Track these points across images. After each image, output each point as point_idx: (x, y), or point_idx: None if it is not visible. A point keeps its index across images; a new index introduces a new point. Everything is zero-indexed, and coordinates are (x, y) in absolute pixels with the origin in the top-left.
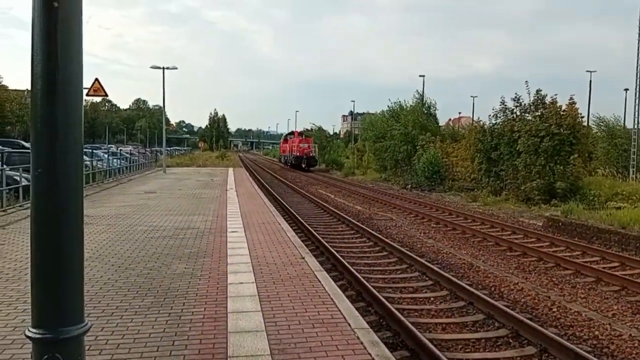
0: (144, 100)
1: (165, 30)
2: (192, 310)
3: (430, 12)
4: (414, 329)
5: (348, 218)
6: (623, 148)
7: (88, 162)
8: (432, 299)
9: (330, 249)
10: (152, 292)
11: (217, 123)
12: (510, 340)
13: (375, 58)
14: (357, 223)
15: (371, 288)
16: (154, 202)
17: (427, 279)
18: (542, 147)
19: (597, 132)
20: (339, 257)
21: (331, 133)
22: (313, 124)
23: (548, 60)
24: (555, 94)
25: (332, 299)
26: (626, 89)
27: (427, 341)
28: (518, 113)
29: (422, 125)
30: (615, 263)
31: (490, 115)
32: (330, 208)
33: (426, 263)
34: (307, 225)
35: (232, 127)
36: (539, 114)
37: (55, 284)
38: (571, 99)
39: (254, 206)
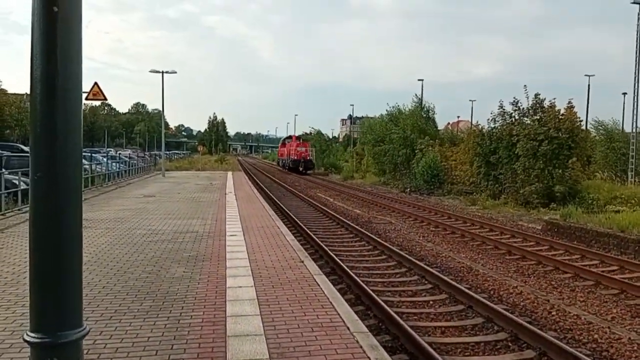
0: (143, 104)
1: (164, 35)
2: (191, 314)
3: (430, 18)
4: (413, 332)
5: (347, 222)
6: (621, 152)
7: (87, 166)
8: (431, 302)
9: (330, 252)
10: (150, 295)
11: (217, 127)
12: (510, 344)
13: (374, 63)
14: (356, 226)
15: (370, 292)
16: (153, 206)
17: (426, 282)
18: (541, 151)
19: (595, 136)
20: (338, 260)
21: (330, 137)
22: (312, 128)
23: (547, 66)
24: (554, 98)
25: (331, 302)
26: (624, 93)
27: (426, 345)
28: (517, 117)
29: (421, 129)
30: (614, 266)
31: (489, 119)
32: (329, 212)
33: (425, 266)
34: (306, 229)
35: (232, 131)
36: (538, 117)
37: (54, 287)
38: (569, 102)
39: (253, 210)
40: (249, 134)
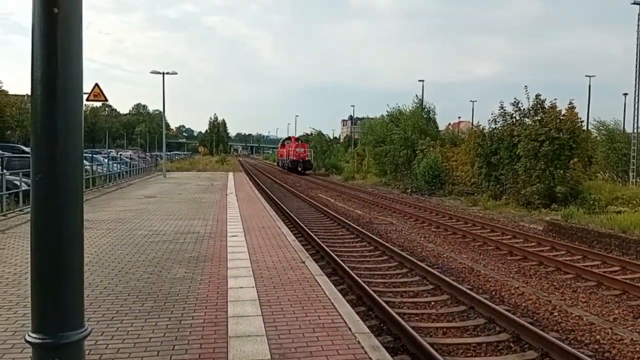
0: (144, 105)
1: (164, 36)
2: (193, 315)
3: (430, 18)
4: (414, 333)
5: (348, 222)
6: (623, 152)
7: (88, 167)
8: (432, 303)
9: (331, 253)
10: (152, 296)
11: (217, 128)
12: (512, 345)
13: (375, 63)
14: (358, 227)
15: (372, 292)
16: (154, 207)
17: (427, 283)
18: (542, 152)
19: (597, 137)
20: (340, 261)
21: (331, 137)
22: (313, 129)
23: (547, 67)
24: (555, 99)
25: (332, 303)
26: (625, 94)
27: (428, 345)
28: (517, 118)
29: (421, 130)
30: (616, 267)
31: (489, 120)
32: (331, 212)
33: (427, 267)
34: (307, 230)
35: (232, 131)
36: (539, 118)
37: (55, 288)
38: (570, 103)
39: (254, 210)
40: (249, 134)
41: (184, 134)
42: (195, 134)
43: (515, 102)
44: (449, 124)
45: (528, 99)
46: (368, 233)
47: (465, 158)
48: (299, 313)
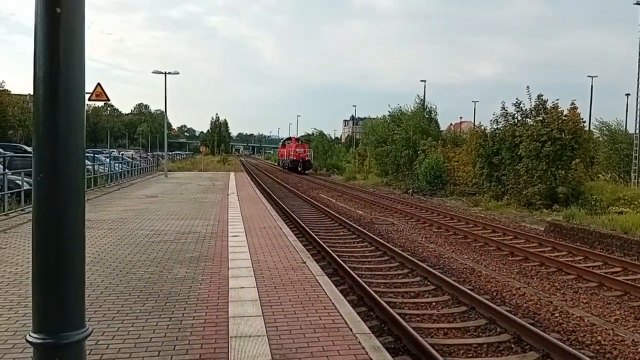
0: (146, 105)
1: (167, 36)
2: (194, 315)
3: (432, 19)
4: (416, 334)
5: (350, 223)
6: (625, 153)
7: (90, 167)
8: (434, 304)
9: (332, 253)
10: (153, 296)
11: (219, 128)
12: (513, 346)
13: (376, 64)
14: (359, 228)
15: (373, 293)
16: (156, 207)
17: (429, 284)
18: (544, 152)
19: (599, 137)
20: (341, 262)
21: (333, 138)
22: (315, 129)
23: (548, 67)
24: (557, 100)
25: (333, 304)
26: (628, 95)
27: (429, 346)
28: (519, 118)
29: (423, 130)
30: (618, 268)
31: (491, 121)
32: (332, 213)
33: (428, 268)
34: (308, 230)
35: (234, 132)
36: (541, 119)
37: (56, 288)
38: (573, 104)
39: (256, 211)
40: (251, 135)
41: (186, 134)
42: (197, 134)
43: (517, 102)
44: (451, 124)
45: (530, 99)
46: (369, 234)
47: (467, 159)
48: (300, 314)
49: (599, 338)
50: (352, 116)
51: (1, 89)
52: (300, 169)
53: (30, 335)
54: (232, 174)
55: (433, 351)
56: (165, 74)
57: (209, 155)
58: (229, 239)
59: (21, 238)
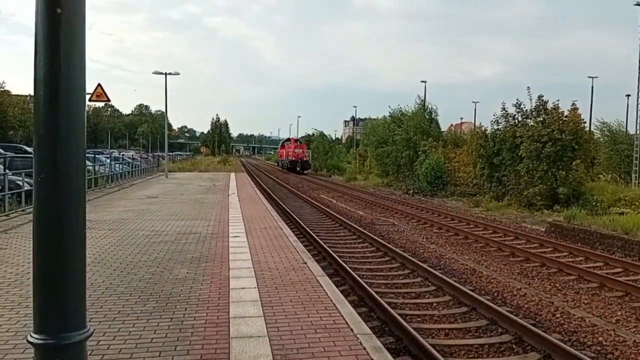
0: (146, 106)
1: (167, 37)
2: (194, 316)
3: (432, 19)
4: (416, 334)
5: (350, 223)
6: (625, 153)
7: (90, 167)
8: (434, 304)
9: (333, 254)
10: (154, 297)
11: (219, 128)
12: (514, 346)
13: (376, 64)
14: (359, 228)
15: (374, 293)
16: (156, 207)
17: (429, 284)
18: (545, 153)
19: (599, 138)
20: (341, 262)
21: (333, 138)
22: (315, 129)
23: (548, 67)
24: (557, 100)
25: (334, 304)
26: (628, 95)
27: (430, 347)
28: (520, 119)
29: (423, 131)
30: (619, 269)
31: (492, 121)
32: (332, 213)
33: (429, 268)
34: (309, 231)
35: (234, 132)
36: (541, 119)
37: (57, 288)
38: (573, 104)
39: (256, 211)
40: (251, 135)
41: (186, 134)
42: (197, 134)
43: (517, 103)
44: (451, 124)
45: (530, 100)
46: (370, 234)
47: (468, 159)
48: (300, 314)
49: (600, 338)
50: (352, 116)
51: (1, 89)
52: (298, 169)
53: (31, 336)
54: (232, 174)
55: (434, 351)
56: (166, 74)
57: (209, 156)
58: (230, 239)
59: (22, 238)
